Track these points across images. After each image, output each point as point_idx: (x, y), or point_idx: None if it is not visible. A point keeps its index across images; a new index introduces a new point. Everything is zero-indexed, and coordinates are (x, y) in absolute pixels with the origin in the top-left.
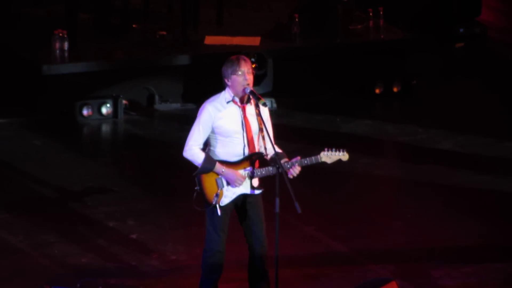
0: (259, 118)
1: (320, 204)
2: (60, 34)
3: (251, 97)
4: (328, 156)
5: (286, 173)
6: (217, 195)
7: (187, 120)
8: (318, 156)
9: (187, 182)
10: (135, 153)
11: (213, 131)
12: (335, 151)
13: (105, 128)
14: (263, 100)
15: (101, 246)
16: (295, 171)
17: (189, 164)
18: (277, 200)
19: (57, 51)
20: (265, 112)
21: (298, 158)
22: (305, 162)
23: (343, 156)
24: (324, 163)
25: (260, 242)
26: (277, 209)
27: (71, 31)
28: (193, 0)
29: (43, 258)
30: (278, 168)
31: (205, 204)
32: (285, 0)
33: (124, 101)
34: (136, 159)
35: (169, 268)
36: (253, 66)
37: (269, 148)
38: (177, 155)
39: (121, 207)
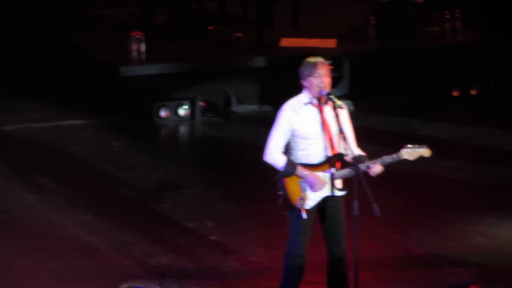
0: (337, 120)
1: (398, 207)
2: (137, 36)
3: (329, 99)
4: (409, 153)
5: (365, 175)
6: (301, 199)
7: (264, 122)
8: (399, 153)
9: (266, 184)
10: (213, 155)
11: (292, 134)
12: (417, 147)
13: (182, 129)
14: (340, 103)
15: (181, 247)
16: (376, 170)
17: (268, 166)
18: (356, 203)
19: (134, 53)
20: (343, 114)
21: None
22: (387, 160)
23: (425, 152)
24: (406, 160)
25: (339, 246)
26: (356, 212)
27: (148, 33)
28: (268, 2)
29: (123, 259)
30: (356, 170)
31: (289, 207)
32: (360, 2)
33: (201, 103)
34: (213, 161)
35: (248, 270)
36: (330, 68)
37: (350, 150)
38: (255, 157)
39: (200, 209)
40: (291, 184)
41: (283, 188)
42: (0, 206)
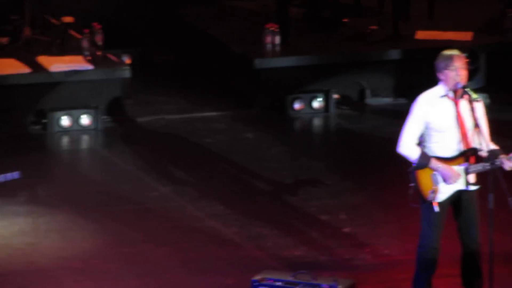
0: (473, 114)
1: None
2: (272, 28)
3: (465, 92)
4: None
5: (500, 169)
6: (433, 192)
7: (399, 115)
8: None
9: (400, 176)
10: (346, 148)
11: (427, 126)
12: None
13: (316, 122)
14: (476, 96)
15: (314, 239)
16: (511, 164)
17: (402, 158)
18: (491, 196)
19: (269, 45)
20: (479, 107)
21: None
22: None
23: None
24: None
25: (473, 240)
26: (491, 205)
27: (283, 25)
28: None
29: (256, 250)
30: (491, 164)
31: (421, 200)
32: None
33: (335, 95)
34: (347, 153)
35: (381, 262)
36: (466, 61)
37: (484, 144)
38: (390, 150)
39: (333, 201)
40: (423, 177)
41: (415, 180)
42: (135, 197)
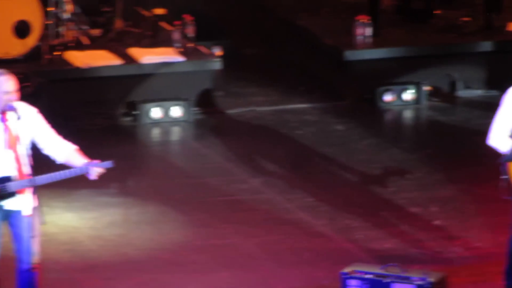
0: None
1: None
2: (363, 20)
3: None
4: None
5: None
6: None
7: (491, 107)
8: None
9: (491, 169)
10: (437, 140)
11: None
12: None
13: (407, 114)
14: None
15: (404, 231)
16: None
17: (493, 151)
18: None
19: (360, 37)
20: None
21: None
22: None
23: None
24: None
25: None
26: None
27: (374, 17)
28: None
29: (346, 242)
30: None
31: None
32: None
33: (426, 87)
34: (438, 145)
35: (473, 255)
36: None
37: None
38: (481, 142)
39: (424, 193)
40: None
41: (506, 172)
42: (225, 189)
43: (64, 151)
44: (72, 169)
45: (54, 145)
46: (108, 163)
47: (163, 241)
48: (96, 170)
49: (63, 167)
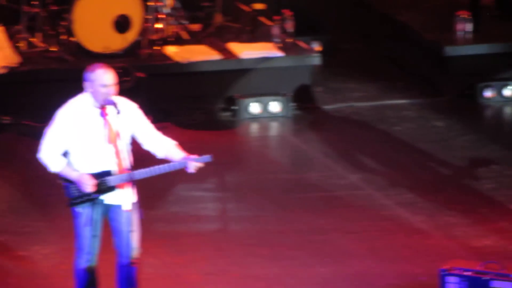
0: None
1: None
2: (463, 16)
3: None
4: None
5: None
6: None
7: None
8: None
9: None
10: None
11: None
12: None
13: (508, 110)
14: None
15: (504, 228)
16: None
17: None
18: None
19: (460, 33)
20: None
21: None
22: None
23: None
24: None
25: None
26: None
27: (475, 13)
28: None
29: (445, 239)
30: None
31: None
32: None
33: None
34: None
35: None
36: None
37: None
38: None
39: None
40: None
41: None
42: (323, 185)
43: (163, 146)
44: (170, 164)
45: (153, 140)
46: (207, 158)
47: (261, 236)
48: (194, 164)
49: (161, 161)
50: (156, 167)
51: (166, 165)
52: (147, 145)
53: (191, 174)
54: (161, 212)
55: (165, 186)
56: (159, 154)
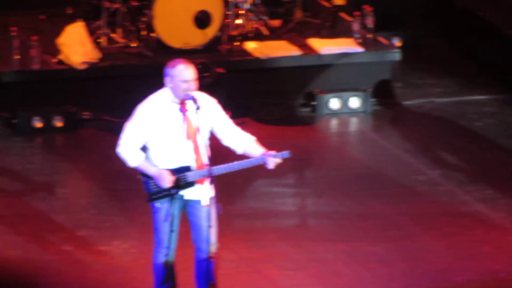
0: None
1: None
2: None
3: None
4: None
5: None
6: None
7: None
8: None
9: None
10: None
11: None
12: None
13: None
14: None
15: None
16: None
17: None
18: None
19: None
20: None
21: None
22: None
23: None
24: None
25: None
26: None
27: None
28: None
29: None
30: None
31: None
32: None
33: None
34: None
35: None
36: None
37: None
38: None
39: None
40: None
41: None
42: (402, 180)
43: (243, 141)
44: (249, 160)
45: (233, 136)
46: (285, 154)
47: (340, 232)
48: (273, 160)
49: (239, 157)
50: (235, 163)
51: (245, 161)
52: (226, 141)
53: (270, 170)
54: (239, 207)
55: (244, 181)
56: (239, 149)
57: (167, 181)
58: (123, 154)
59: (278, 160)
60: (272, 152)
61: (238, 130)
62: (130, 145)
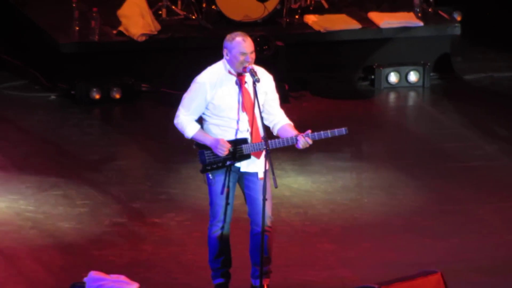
0: None
1: None
2: None
3: None
4: None
5: None
6: None
7: None
8: None
9: None
10: None
11: None
12: None
13: None
14: None
15: None
16: None
17: None
18: None
19: None
20: None
21: None
22: None
23: None
24: None
25: None
26: None
27: None
28: None
29: None
30: None
31: None
32: None
33: None
34: None
35: None
36: None
37: None
38: None
39: None
40: None
41: None
42: (459, 155)
43: (280, 124)
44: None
45: (274, 117)
46: (343, 130)
47: (395, 206)
48: (304, 141)
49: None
50: (289, 137)
51: (294, 137)
52: (266, 120)
53: (328, 144)
54: (294, 181)
55: (300, 155)
56: (274, 131)
57: (224, 148)
58: (179, 125)
59: (309, 141)
60: (307, 132)
61: (281, 112)
62: (187, 115)
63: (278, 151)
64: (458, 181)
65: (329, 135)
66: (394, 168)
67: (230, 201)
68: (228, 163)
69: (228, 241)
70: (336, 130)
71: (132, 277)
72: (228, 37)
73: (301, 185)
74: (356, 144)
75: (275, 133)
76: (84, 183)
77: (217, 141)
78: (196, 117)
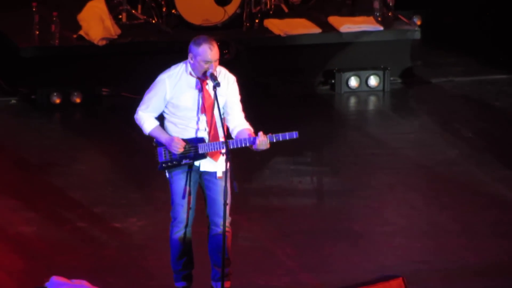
0: None
1: None
2: None
3: None
4: None
5: None
6: None
7: None
8: None
9: None
10: None
11: None
12: None
13: None
14: None
15: None
16: None
17: None
18: None
19: None
20: None
21: None
22: None
23: None
24: None
25: None
26: None
27: None
28: None
29: None
30: None
31: None
32: None
33: None
34: None
35: None
36: None
37: None
38: None
39: None
40: None
41: None
42: (421, 160)
43: (239, 128)
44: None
45: (234, 120)
46: (294, 134)
47: (356, 211)
48: (261, 142)
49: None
50: (245, 138)
51: (252, 137)
52: (226, 121)
53: (288, 148)
54: (256, 185)
55: (260, 159)
56: (233, 133)
57: (178, 146)
58: (139, 120)
59: (266, 141)
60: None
61: (241, 116)
62: (146, 112)
63: (240, 157)
64: (418, 186)
65: (280, 138)
66: (355, 173)
67: (192, 201)
68: (184, 161)
69: (190, 242)
70: (287, 133)
71: (94, 282)
72: (195, 41)
73: (260, 189)
74: (316, 148)
75: (233, 136)
76: (45, 187)
77: (172, 139)
78: (156, 115)
